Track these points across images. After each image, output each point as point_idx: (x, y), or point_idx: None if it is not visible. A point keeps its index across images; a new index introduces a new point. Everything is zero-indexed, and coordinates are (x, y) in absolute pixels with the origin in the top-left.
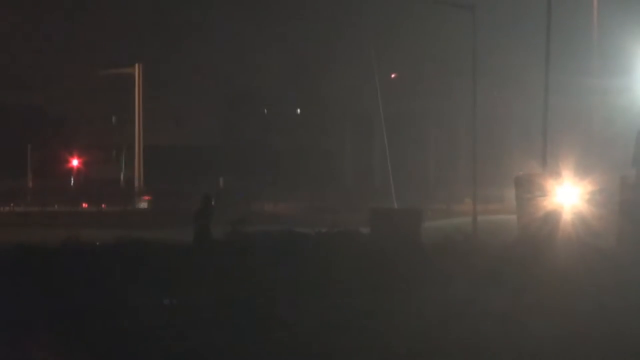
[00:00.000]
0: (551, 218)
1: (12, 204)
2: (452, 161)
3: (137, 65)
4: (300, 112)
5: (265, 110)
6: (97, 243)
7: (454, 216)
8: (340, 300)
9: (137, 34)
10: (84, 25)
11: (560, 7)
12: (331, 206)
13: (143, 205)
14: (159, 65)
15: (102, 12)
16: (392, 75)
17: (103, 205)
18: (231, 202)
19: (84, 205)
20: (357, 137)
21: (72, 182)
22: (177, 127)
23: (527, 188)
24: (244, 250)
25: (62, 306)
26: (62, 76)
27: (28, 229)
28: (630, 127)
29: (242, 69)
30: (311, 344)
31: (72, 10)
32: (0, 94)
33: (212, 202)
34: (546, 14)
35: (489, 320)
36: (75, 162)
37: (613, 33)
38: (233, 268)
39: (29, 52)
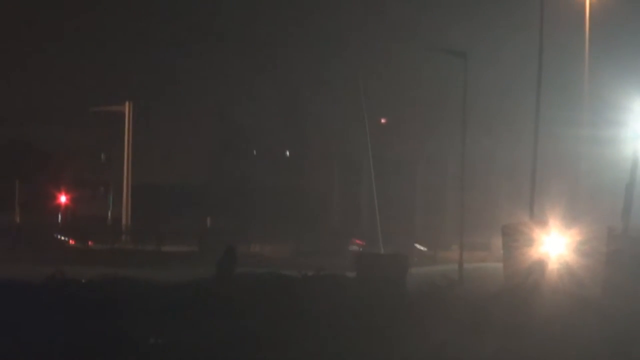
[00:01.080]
0: (537, 267)
1: None
2: (440, 207)
3: (127, 103)
4: (290, 154)
5: (255, 151)
6: (83, 280)
7: (440, 263)
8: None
9: (128, 72)
10: (76, 61)
11: (552, 57)
12: (318, 248)
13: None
14: (149, 104)
15: (94, 49)
16: (382, 120)
17: (90, 243)
18: (218, 243)
19: (71, 241)
20: (345, 180)
21: (60, 218)
22: (166, 165)
23: (513, 237)
24: (227, 293)
25: (45, 344)
26: (52, 112)
27: (15, 265)
28: (617, 179)
29: (232, 110)
30: None
31: (63, 44)
32: None
33: (235, 254)
34: (537, 63)
35: None
36: (63, 199)
37: (603, 86)
38: (215, 310)
39: (19, 86)
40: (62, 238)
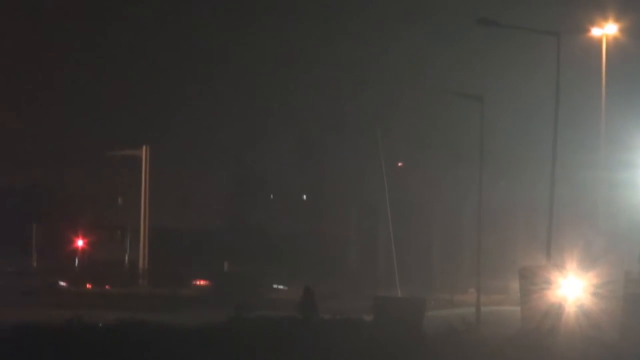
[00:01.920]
0: (554, 310)
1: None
2: (457, 250)
3: (144, 148)
4: (306, 198)
5: (272, 195)
6: (100, 324)
7: (457, 306)
8: None
9: (145, 117)
10: (91, 106)
11: (568, 100)
12: (335, 292)
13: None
14: (166, 148)
15: (111, 94)
16: (399, 164)
17: (107, 286)
18: (235, 287)
19: (88, 285)
20: (362, 223)
21: (77, 262)
22: (183, 209)
23: (531, 280)
24: (243, 337)
25: None
26: (69, 156)
27: (33, 308)
28: (635, 222)
29: (248, 154)
30: None
31: (80, 89)
32: (7, 173)
33: (313, 295)
34: (554, 107)
35: None
36: (80, 243)
37: (620, 128)
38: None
39: (36, 132)
40: (62, 284)
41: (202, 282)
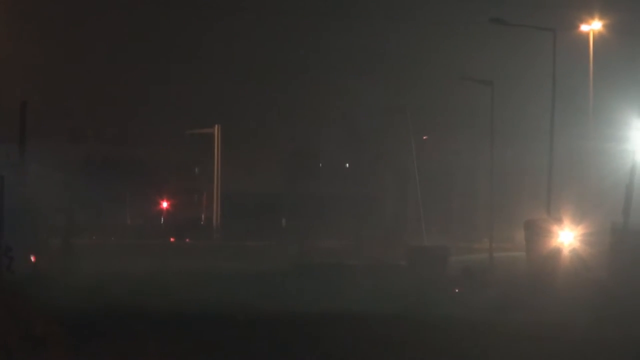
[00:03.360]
0: (554, 255)
1: (113, 238)
2: (473, 207)
3: (216, 126)
4: (349, 166)
5: (320, 164)
6: None
7: (474, 253)
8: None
9: (218, 99)
10: (173, 90)
11: (563, 84)
12: (374, 243)
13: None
14: (235, 126)
15: (187, 80)
16: (424, 137)
17: (187, 240)
18: (291, 239)
19: (172, 239)
20: (395, 187)
21: (162, 220)
22: (249, 176)
23: (534, 230)
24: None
25: None
26: (155, 135)
27: (129, 258)
28: (619, 183)
29: (303, 133)
30: None
31: (163, 77)
32: (105, 149)
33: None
34: (551, 90)
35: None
36: (165, 204)
37: (606, 106)
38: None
39: (126, 114)
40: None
41: None
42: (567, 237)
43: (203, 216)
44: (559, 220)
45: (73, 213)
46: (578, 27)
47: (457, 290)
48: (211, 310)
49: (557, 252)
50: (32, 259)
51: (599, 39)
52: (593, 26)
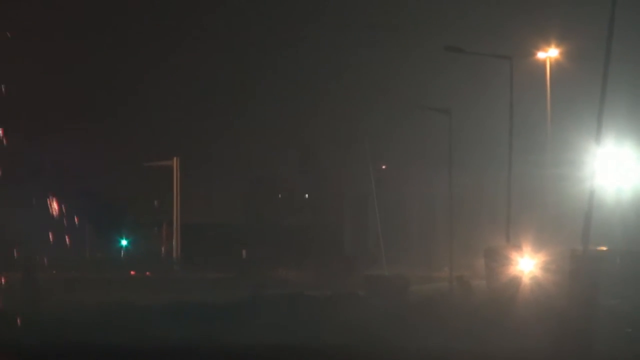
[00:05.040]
0: (513, 283)
1: (72, 272)
2: (432, 236)
3: (174, 159)
4: (308, 196)
5: (280, 195)
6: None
7: (434, 281)
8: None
9: (175, 132)
10: (129, 124)
11: (520, 111)
12: (333, 273)
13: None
14: (192, 157)
15: (142, 112)
16: (383, 167)
17: (147, 273)
18: (252, 270)
19: (132, 272)
20: (354, 216)
21: (122, 253)
22: (209, 208)
23: (494, 258)
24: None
25: None
26: (114, 167)
27: (89, 291)
28: (578, 210)
29: (259, 161)
30: None
31: (121, 110)
32: (62, 182)
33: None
34: (509, 117)
35: None
36: (124, 237)
37: (563, 132)
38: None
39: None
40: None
41: None
42: (527, 265)
43: (163, 248)
44: (518, 248)
45: (31, 247)
46: (535, 54)
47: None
48: (172, 343)
49: (516, 279)
50: None
51: (556, 65)
52: (550, 53)
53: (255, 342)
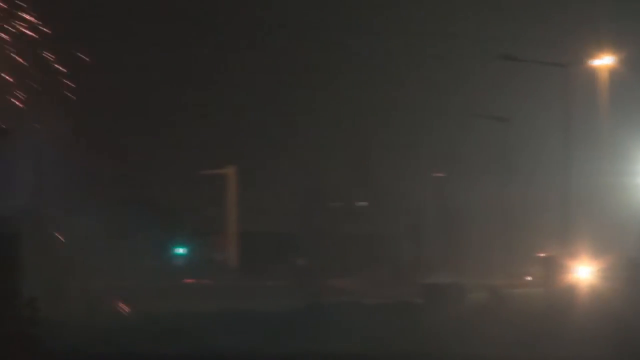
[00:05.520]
0: (570, 290)
1: (129, 280)
2: (489, 243)
3: (231, 167)
4: (365, 205)
5: (336, 203)
6: None
7: (491, 289)
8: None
9: (231, 140)
10: (186, 132)
11: (578, 115)
12: (390, 281)
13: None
14: (248, 166)
15: (199, 120)
16: (440, 174)
17: (203, 281)
18: (307, 278)
19: (188, 280)
20: (410, 224)
21: (178, 261)
22: (264, 216)
23: (550, 265)
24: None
25: None
26: (171, 175)
27: (146, 300)
28: (634, 218)
29: (316, 169)
30: None
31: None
32: (121, 191)
33: None
34: (566, 125)
35: None
36: (180, 246)
37: (622, 139)
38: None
39: (142, 152)
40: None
41: None
42: (584, 272)
43: (219, 256)
44: (575, 256)
45: (91, 255)
46: (590, 62)
47: None
48: (227, 353)
49: (573, 287)
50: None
51: (613, 73)
52: (605, 61)
53: (311, 350)
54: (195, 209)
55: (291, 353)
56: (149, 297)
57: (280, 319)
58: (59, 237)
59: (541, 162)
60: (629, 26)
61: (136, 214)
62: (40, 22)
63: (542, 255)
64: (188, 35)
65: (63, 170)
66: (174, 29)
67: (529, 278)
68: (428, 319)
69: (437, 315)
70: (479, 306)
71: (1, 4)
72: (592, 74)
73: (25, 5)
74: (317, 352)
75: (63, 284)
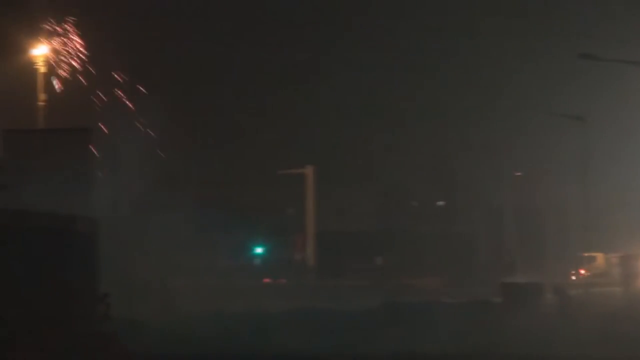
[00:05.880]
0: None
1: (206, 279)
2: (567, 243)
3: (309, 167)
4: (442, 204)
5: (414, 203)
6: None
7: (569, 288)
8: None
9: (309, 140)
10: (264, 131)
11: None
12: (468, 281)
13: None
14: (326, 164)
15: (277, 120)
16: (517, 174)
17: (281, 280)
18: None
19: (266, 280)
20: (488, 223)
21: (256, 261)
22: (341, 216)
23: (630, 266)
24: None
25: None
26: (248, 175)
27: (224, 299)
28: None
29: (394, 170)
30: None
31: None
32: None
33: None
34: None
35: None
36: (258, 245)
37: None
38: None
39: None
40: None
41: None
42: None
43: (297, 256)
44: None
45: (168, 255)
46: None
47: None
48: (307, 353)
49: None
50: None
51: None
52: None
53: (392, 351)
54: (274, 209)
55: (372, 353)
56: (228, 297)
57: (359, 319)
58: (138, 236)
59: (619, 161)
60: None
61: (216, 213)
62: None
63: (620, 255)
64: (271, 38)
65: (144, 170)
66: (253, 33)
67: (607, 277)
68: (508, 318)
69: (517, 314)
70: (557, 306)
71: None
72: None
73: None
74: (397, 352)
75: (141, 283)
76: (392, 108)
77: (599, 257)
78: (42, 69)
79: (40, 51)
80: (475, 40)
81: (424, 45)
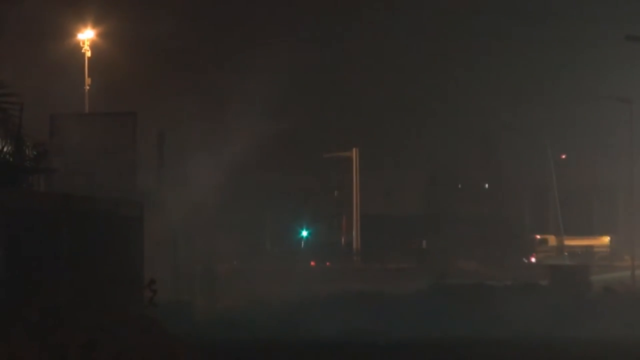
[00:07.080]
0: None
1: (253, 263)
2: (614, 225)
3: (354, 150)
4: (488, 186)
5: (459, 185)
6: None
7: (615, 271)
8: None
9: (354, 123)
10: (311, 114)
11: None
12: (513, 263)
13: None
14: (372, 148)
15: (327, 104)
16: (562, 156)
17: (327, 263)
18: (434, 260)
19: (312, 263)
20: (534, 206)
21: (302, 244)
22: (387, 199)
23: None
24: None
25: None
26: (294, 157)
27: (271, 283)
28: None
29: (439, 152)
30: None
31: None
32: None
33: None
34: None
35: None
36: (304, 228)
37: None
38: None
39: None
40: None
41: None
42: None
43: (343, 239)
44: None
45: (215, 239)
46: None
47: None
48: (353, 336)
49: None
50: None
51: None
52: None
53: (435, 334)
54: (320, 192)
55: (417, 336)
56: (274, 280)
57: (405, 301)
58: (183, 220)
59: None
60: None
61: (263, 197)
62: None
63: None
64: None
65: (189, 154)
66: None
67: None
68: (556, 301)
69: (564, 297)
70: (603, 288)
71: None
72: None
73: None
74: (444, 335)
75: (187, 268)
76: (439, 91)
77: (551, 239)
78: (88, 53)
79: (86, 35)
80: (523, 25)
81: (475, 28)
